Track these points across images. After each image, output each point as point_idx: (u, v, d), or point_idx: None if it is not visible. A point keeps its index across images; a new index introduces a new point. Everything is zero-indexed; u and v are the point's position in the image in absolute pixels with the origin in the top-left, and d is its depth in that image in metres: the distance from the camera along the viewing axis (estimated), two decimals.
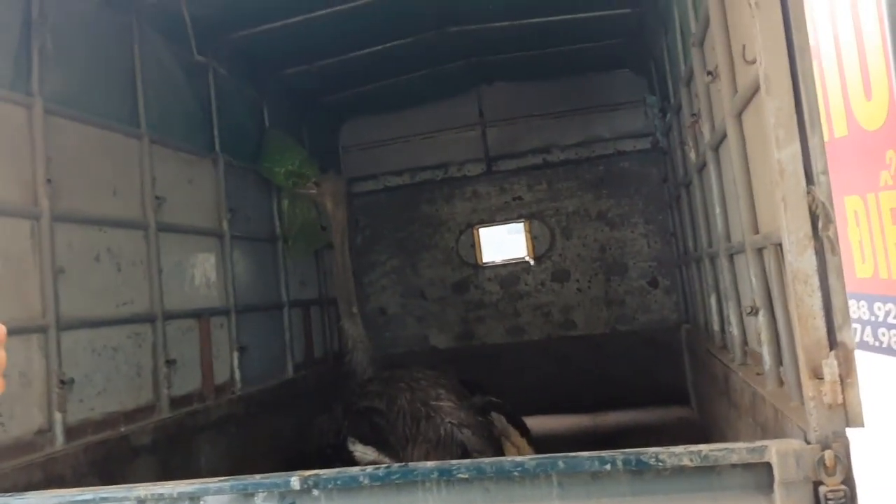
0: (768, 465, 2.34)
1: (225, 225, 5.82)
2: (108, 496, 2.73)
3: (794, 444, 2.36)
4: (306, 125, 7.63)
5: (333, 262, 6.04)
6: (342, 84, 7.59)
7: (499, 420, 4.98)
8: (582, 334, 8.22)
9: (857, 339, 4.43)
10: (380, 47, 6.79)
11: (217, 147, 5.85)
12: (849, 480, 2.29)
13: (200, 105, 5.77)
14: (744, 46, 2.80)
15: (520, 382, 7.30)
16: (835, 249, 2.38)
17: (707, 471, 2.41)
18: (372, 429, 4.71)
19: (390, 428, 4.67)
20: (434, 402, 4.73)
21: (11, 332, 3.58)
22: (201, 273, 5.50)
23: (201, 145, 5.73)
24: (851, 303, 4.73)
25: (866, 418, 2.36)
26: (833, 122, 4.45)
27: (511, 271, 8.46)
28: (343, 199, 6.20)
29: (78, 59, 4.41)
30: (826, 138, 4.82)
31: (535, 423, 5.37)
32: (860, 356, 2.65)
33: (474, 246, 8.54)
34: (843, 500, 2.27)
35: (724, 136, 3.68)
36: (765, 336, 3.28)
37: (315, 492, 2.61)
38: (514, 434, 4.90)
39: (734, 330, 4.18)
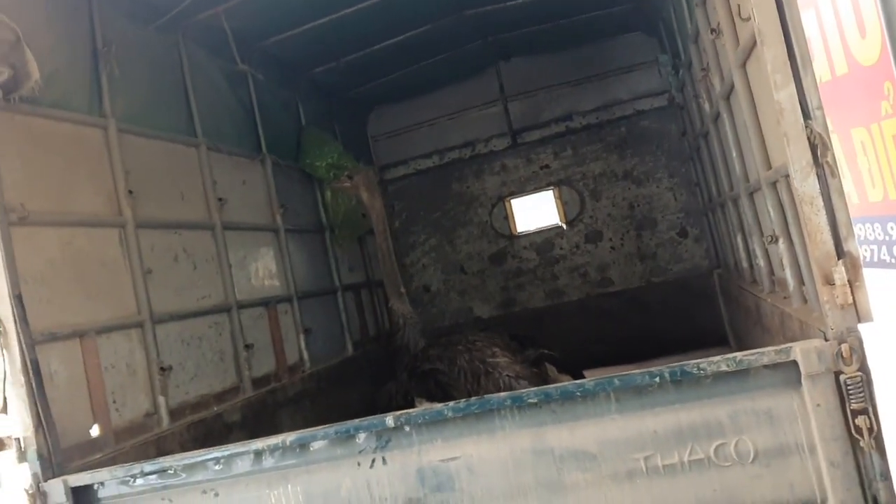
0: (794, 363, 2.74)
1: (279, 220, 6.29)
2: (231, 452, 3.20)
3: (815, 342, 2.76)
4: (337, 119, 8.05)
5: (377, 248, 6.49)
6: (367, 76, 7.98)
7: (551, 370, 5.41)
8: (619, 290, 8.58)
9: (875, 258, 4.77)
10: (401, 37, 7.16)
11: (263, 148, 6.30)
12: (864, 368, 2.69)
13: (244, 110, 6.22)
14: (738, 6, 3.17)
15: (564, 342, 7.63)
16: (834, 172, 2.77)
17: (743, 374, 2.81)
18: (437, 387, 5.16)
19: (453, 385, 5.12)
20: (491, 359, 5.17)
21: (114, 329, 4.13)
22: (263, 265, 5.97)
23: (249, 148, 6.18)
24: (866, 225, 5.08)
25: (875, 314, 2.75)
26: (834, 62, 4.76)
27: (545, 238, 8.84)
28: (376, 188, 6.65)
29: (139, 80, 4.86)
30: (828, 77, 5.17)
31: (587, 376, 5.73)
32: (879, 274, 3.02)
33: (508, 217, 8.92)
34: (860, 385, 2.67)
35: (733, 85, 4.04)
36: (786, 260, 3.67)
37: (407, 428, 3.05)
38: (567, 380, 5.31)
39: (760, 262, 4.56)
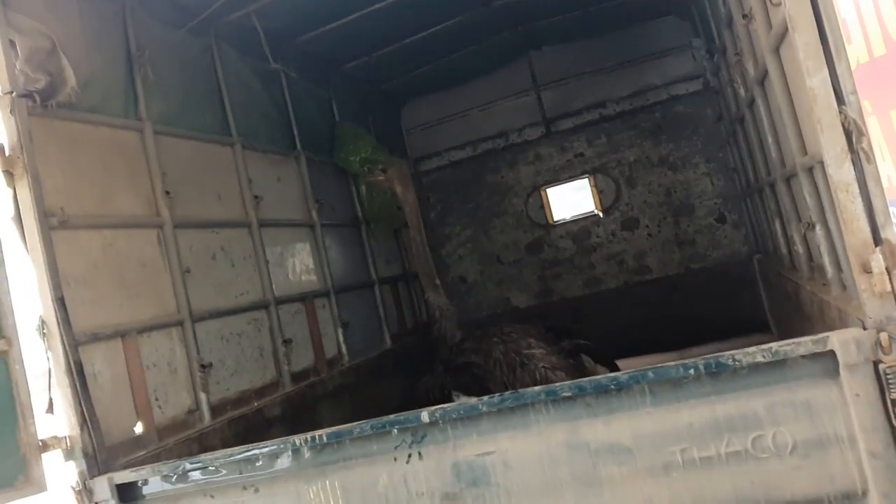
0: (832, 353, 2.70)
1: (314, 215, 6.35)
2: (270, 449, 3.26)
3: (853, 331, 2.72)
4: (370, 113, 8.09)
5: (411, 240, 6.52)
6: (399, 70, 8.01)
7: (587, 361, 5.39)
8: (657, 277, 8.51)
9: None
10: (431, 30, 7.16)
11: (298, 145, 6.37)
12: None
13: (278, 108, 6.28)
14: None
15: (603, 330, 7.61)
16: (870, 159, 2.71)
17: (779, 365, 2.78)
18: (472, 380, 5.18)
19: (489, 377, 5.13)
20: (526, 351, 5.16)
21: (155, 328, 4.21)
22: (300, 261, 6.04)
23: (284, 145, 6.25)
24: None
25: None
26: (871, 43, 4.67)
27: (582, 226, 8.79)
28: (409, 181, 6.66)
29: (173, 83, 4.94)
30: (866, 59, 5.05)
31: (624, 364, 5.70)
32: None
33: (543, 207, 8.88)
34: None
35: (767, 70, 3.98)
36: (824, 247, 3.61)
37: (442, 423, 3.07)
38: (603, 371, 5.30)
39: (799, 248, 4.49)
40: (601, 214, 8.72)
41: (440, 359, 5.81)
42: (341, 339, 6.25)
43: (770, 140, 4.55)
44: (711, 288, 8.12)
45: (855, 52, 4.93)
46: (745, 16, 3.94)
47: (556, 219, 8.93)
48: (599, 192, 8.73)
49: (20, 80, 3.53)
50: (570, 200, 9.19)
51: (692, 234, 8.47)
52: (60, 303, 3.48)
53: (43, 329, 3.46)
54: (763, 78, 4.26)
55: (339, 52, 7.00)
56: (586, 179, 8.79)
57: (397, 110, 9.07)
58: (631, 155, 8.58)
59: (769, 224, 5.87)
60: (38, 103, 3.62)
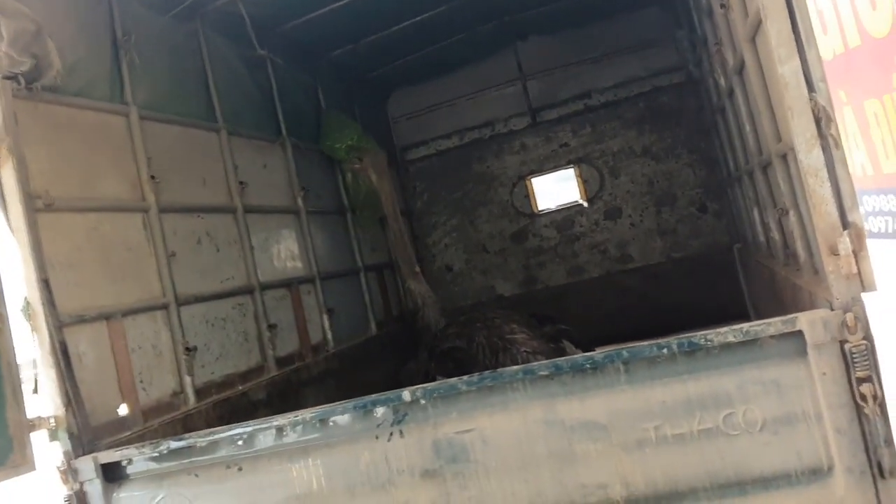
0: (800, 333, 2.79)
1: (300, 202, 6.39)
2: (253, 428, 3.31)
3: (820, 312, 2.81)
4: (356, 101, 8.12)
5: (389, 228, 6.56)
6: (385, 58, 8.03)
7: (569, 346, 5.48)
8: (639, 266, 8.59)
9: (890, 229, 4.77)
10: (418, 18, 7.18)
11: (283, 132, 6.40)
12: (868, 336, 2.73)
13: (264, 95, 6.31)
14: None
15: (586, 318, 7.70)
16: (838, 144, 2.79)
17: (750, 344, 2.87)
18: (456, 365, 5.25)
19: (472, 362, 5.21)
20: (509, 336, 5.25)
21: (140, 311, 4.25)
22: (285, 247, 6.08)
23: (269, 132, 6.28)
24: (881, 197, 5.07)
25: (880, 283, 2.79)
26: (846, 34, 4.75)
27: (566, 216, 8.86)
28: (385, 170, 6.70)
29: (159, 68, 4.96)
30: (841, 50, 5.14)
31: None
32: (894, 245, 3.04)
33: (528, 196, 8.94)
34: (865, 353, 2.71)
35: (744, 60, 4.05)
36: (797, 232, 3.70)
37: (422, 401, 3.14)
38: None
39: (775, 235, 4.57)
40: (585, 204, 8.79)
41: (424, 345, 5.89)
42: (326, 325, 6.30)
43: (748, 129, 4.63)
44: (692, 277, 8.20)
45: (830, 44, 5.02)
46: (722, 5, 4.02)
47: (540, 208, 8.99)
48: (584, 181, 8.79)
49: (4, 63, 3.55)
50: (555, 190, 9.26)
51: (674, 224, 8.55)
52: (45, 284, 3.52)
53: (28, 310, 3.50)
54: (741, 67, 4.34)
55: (325, 39, 7.02)
56: (571, 169, 8.85)
57: (384, 99, 9.10)
58: (615, 145, 8.65)
59: (748, 213, 5.96)
60: (23, 86, 3.64)
